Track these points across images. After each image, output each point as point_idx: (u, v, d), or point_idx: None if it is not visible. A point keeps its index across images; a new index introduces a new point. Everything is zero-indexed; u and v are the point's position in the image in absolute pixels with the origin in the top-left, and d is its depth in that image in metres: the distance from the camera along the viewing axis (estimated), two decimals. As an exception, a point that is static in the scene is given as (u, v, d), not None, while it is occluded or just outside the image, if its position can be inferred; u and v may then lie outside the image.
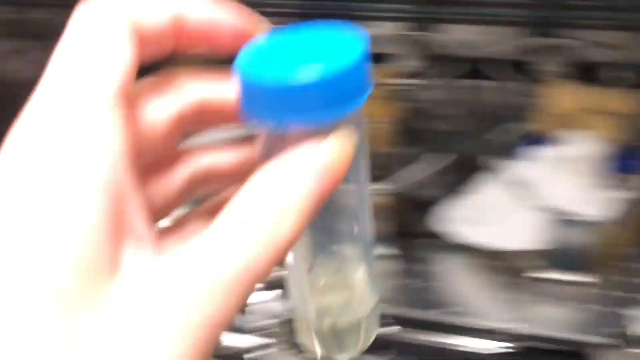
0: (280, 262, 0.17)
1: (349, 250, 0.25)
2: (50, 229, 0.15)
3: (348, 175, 0.19)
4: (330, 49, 0.19)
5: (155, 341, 0.15)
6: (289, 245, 0.17)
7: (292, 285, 0.25)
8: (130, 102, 0.18)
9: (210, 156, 0.22)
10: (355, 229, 0.24)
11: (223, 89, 0.20)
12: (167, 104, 0.20)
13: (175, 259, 0.16)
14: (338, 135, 0.18)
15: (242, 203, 0.17)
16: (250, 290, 0.16)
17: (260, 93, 0.18)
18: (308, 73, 0.17)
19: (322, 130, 0.18)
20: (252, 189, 0.17)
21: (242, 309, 0.17)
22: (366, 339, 0.26)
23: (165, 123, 0.20)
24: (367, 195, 0.23)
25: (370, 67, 0.19)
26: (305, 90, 0.17)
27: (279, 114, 0.18)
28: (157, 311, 0.15)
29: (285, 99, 0.18)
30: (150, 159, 0.20)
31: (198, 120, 0.21)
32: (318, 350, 0.26)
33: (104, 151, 0.16)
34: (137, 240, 0.16)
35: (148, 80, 0.20)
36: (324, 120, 0.18)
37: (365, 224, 0.24)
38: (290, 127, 0.19)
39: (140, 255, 0.16)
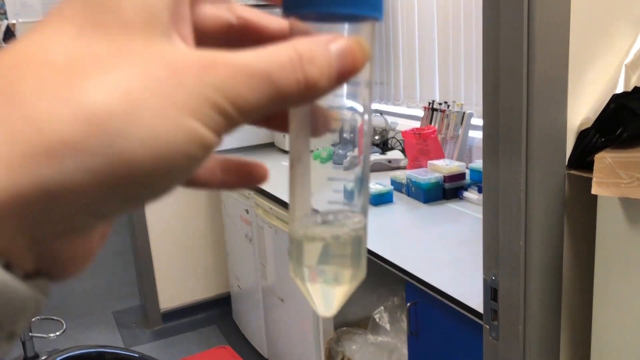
0: (285, 101, 0.21)
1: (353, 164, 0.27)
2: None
3: (360, 78, 0.25)
4: None
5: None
6: (308, 89, 0.21)
7: (297, 187, 0.27)
8: None
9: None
10: (358, 143, 0.27)
11: (265, 18, 0.27)
12: (221, 9, 0.26)
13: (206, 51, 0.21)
14: (360, 37, 0.24)
15: (280, 46, 0.21)
16: (264, 92, 0.20)
17: None
18: None
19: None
20: (290, 42, 0.22)
21: (250, 111, 0.21)
22: (359, 267, 0.27)
23: (215, 21, 0.25)
24: (370, 116, 0.27)
25: None
26: None
27: (317, 6, 0.24)
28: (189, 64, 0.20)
29: None
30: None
31: (241, 35, 0.27)
32: (312, 290, 0.27)
33: None
34: (183, 36, 0.22)
35: None
36: (351, 17, 0.24)
37: (368, 143, 0.27)
38: (324, 24, 0.24)
39: (185, 43, 0.22)
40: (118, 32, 0.19)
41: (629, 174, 0.88)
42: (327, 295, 0.27)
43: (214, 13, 0.26)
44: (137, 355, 1.40)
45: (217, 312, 3.01)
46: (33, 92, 0.18)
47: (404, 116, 2.68)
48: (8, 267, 0.18)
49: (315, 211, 0.27)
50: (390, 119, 2.66)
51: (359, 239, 0.27)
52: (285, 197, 2.01)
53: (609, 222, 0.96)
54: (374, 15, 0.24)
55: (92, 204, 0.18)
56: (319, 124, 0.27)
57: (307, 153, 0.27)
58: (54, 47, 0.19)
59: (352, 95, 0.26)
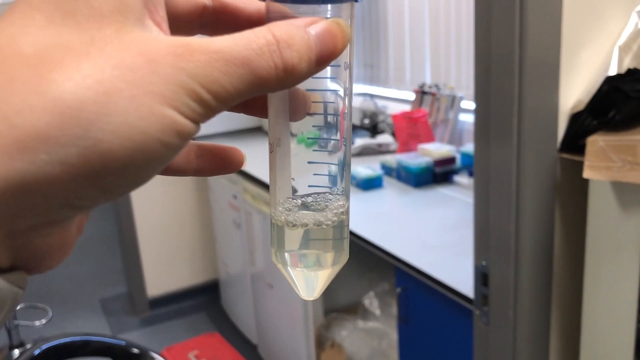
0: (263, 87, 0.20)
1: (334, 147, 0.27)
2: None
3: (340, 60, 0.24)
4: None
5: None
6: (287, 74, 0.20)
7: (277, 172, 0.27)
8: None
9: None
10: (339, 126, 0.27)
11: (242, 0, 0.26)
12: None
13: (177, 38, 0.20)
14: (339, 19, 0.23)
15: (257, 30, 0.21)
16: (241, 78, 0.20)
17: None
18: None
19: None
20: (268, 26, 0.21)
21: (227, 97, 0.20)
22: (342, 251, 0.27)
23: (189, 3, 0.24)
24: (351, 98, 0.27)
25: None
26: None
27: None
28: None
29: None
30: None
31: (215, 17, 0.25)
32: (292, 268, 0.27)
33: None
34: (157, 22, 0.21)
35: None
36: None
37: (349, 126, 0.27)
38: (301, 5, 0.23)
39: (159, 29, 0.21)
40: (89, 20, 0.19)
41: (621, 158, 0.87)
42: (309, 279, 0.27)
43: None
44: (124, 343, 1.38)
45: (205, 299, 3.00)
46: (2, 84, 0.17)
47: (394, 99, 2.66)
48: None
49: (297, 195, 0.27)
50: (380, 102, 2.64)
51: (341, 223, 0.27)
52: (273, 183, 1.98)
53: (601, 206, 0.95)
54: None
55: (68, 196, 0.18)
56: (298, 107, 0.26)
57: (287, 137, 0.27)
58: (23, 38, 0.18)
59: (332, 78, 0.26)
